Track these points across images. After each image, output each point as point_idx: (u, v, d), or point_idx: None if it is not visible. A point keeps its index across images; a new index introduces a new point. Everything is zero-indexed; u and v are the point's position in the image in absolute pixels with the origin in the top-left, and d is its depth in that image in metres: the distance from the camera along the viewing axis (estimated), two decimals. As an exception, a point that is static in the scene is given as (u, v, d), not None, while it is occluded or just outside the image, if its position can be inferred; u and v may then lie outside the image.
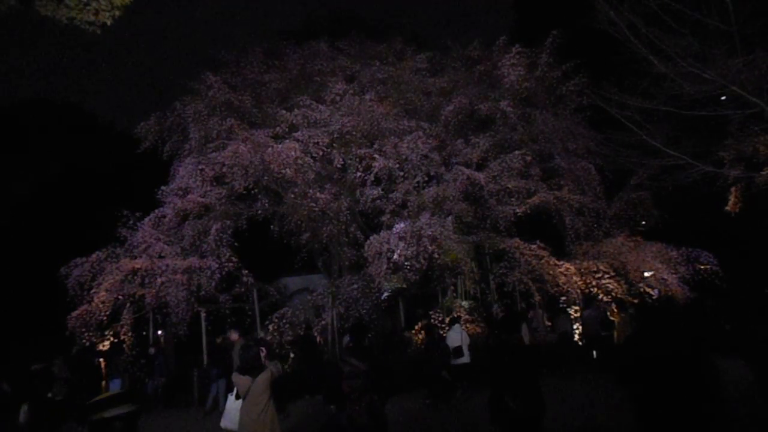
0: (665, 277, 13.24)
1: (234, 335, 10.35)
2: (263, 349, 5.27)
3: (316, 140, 12.86)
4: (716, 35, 10.41)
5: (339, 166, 13.60)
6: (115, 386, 12.06)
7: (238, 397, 5.03)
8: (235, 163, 12.27)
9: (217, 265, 12.16)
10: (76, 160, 22.49)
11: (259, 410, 4.76)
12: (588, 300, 13.59)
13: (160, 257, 12.14)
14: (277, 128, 13.26)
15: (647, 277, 13.68)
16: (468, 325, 13.73)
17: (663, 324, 3.64)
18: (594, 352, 13.05)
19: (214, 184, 13.26)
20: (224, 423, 6.06)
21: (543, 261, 12.81)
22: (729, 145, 11.71)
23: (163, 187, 13.35)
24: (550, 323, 14.09)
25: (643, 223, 14.71)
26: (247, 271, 12.98)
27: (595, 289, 13.36)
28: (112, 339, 12.95)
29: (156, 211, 13.07)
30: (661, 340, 3.52)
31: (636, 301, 12.89)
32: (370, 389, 4.49)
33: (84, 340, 11.93)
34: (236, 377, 5.03)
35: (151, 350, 13.40)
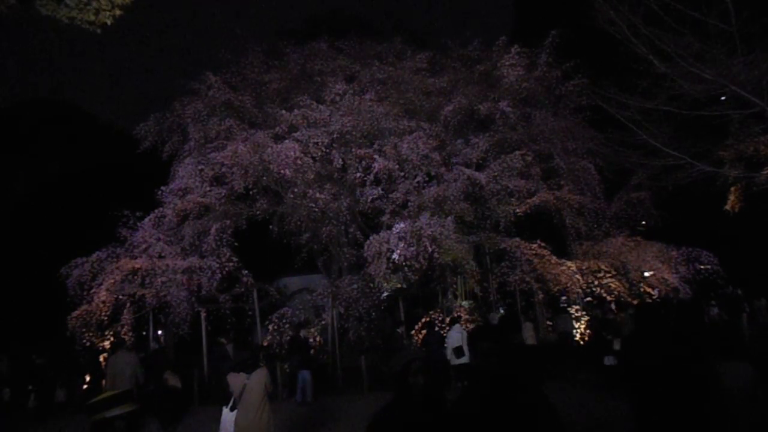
0: (666, 276, 13.23)
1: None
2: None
3: (316, 140, 12.86)
4: (716, 35, 10.39)
5: (339, 166, 13.59)
6: None
7: (232, 408, 4.85)
8: (235, 164, 12.27)
9: (217, 265, 12.16)
10: (75, 160, 22.53)
11: (254, 411, 4.62)
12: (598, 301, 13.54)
13: (160, 257, 12.13)
14: (277, 128, 13.26)
15: (648, 277, 13.67)
16: (468, 325, 13.71)
17: (660, 324, 3.64)
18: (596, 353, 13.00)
19: (214, 184, 13.27)
20: None
21: (544, 260, 12.80)
22: (729, 145, 11.68)
23: (163, 187, 13.35)
24: (550, 323, 14.06)
25: (643, 223, 14.69)
26: (247, 271, 12.97)
27: (597, 289, 13.34)
28: (112, 339, 12.95)
29: (156, 211, 13.07)
30: (658, 340, 3.51)
31: (635, 301, 12.87)
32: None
33: (84, 340, 11.93)
34: (231, 377, 4.89)
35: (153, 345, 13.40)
